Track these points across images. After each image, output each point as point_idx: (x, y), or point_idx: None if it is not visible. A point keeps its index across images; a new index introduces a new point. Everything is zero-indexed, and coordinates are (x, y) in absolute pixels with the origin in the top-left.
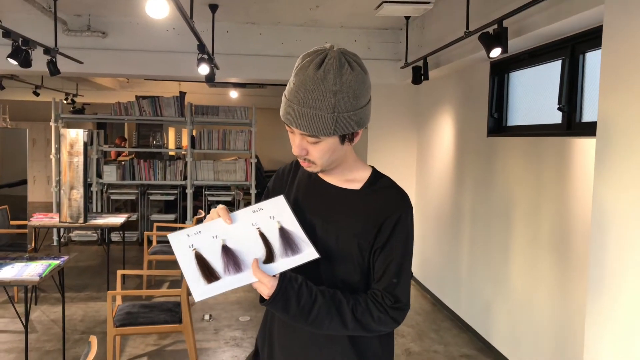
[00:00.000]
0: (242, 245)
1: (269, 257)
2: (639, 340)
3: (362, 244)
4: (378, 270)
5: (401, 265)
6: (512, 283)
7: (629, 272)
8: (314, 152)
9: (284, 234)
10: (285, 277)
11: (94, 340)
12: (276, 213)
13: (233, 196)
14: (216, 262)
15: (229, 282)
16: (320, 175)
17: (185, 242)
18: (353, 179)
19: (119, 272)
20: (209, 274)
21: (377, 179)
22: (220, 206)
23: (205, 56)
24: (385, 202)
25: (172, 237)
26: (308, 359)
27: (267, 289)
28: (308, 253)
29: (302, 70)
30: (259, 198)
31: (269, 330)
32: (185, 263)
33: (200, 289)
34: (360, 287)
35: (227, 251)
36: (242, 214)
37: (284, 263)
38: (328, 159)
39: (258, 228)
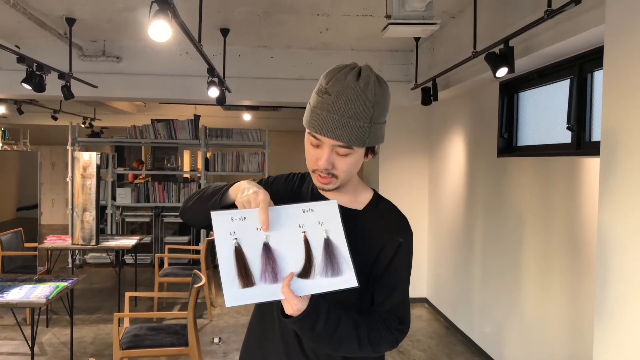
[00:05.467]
0: (284, 249)
1: (307, 272)
2: None
3: (362, 262)
4: (381, 292)
5: (405, 287)
6: (525, 306)
7: (635, 293)
8: (341, 166)
9: (328, 247)
10: (316, 303)
11: None
12: (325, 219)
13: None
14: (254, 261)
15: (262, 292)
16: (323, 193)
17: (228, 227)
18: (355, 200)
19: (127, 294)
20: (245, 277)
21: (379, 201)
22: (262, 193)
23: (216, 79)
24: (388, 225)
25: (215, 215)
26: None
27: (291, 308)
28: (347, 279)
29: (339, 81)
30: None
31: (262, 346)
32: (223, 254)
33: (233, 293)
34: (356, 303)
35: (267, 252)
36: (291, 210)
37: (320, 284)
38: (351, 173)
39: (304, 232)
